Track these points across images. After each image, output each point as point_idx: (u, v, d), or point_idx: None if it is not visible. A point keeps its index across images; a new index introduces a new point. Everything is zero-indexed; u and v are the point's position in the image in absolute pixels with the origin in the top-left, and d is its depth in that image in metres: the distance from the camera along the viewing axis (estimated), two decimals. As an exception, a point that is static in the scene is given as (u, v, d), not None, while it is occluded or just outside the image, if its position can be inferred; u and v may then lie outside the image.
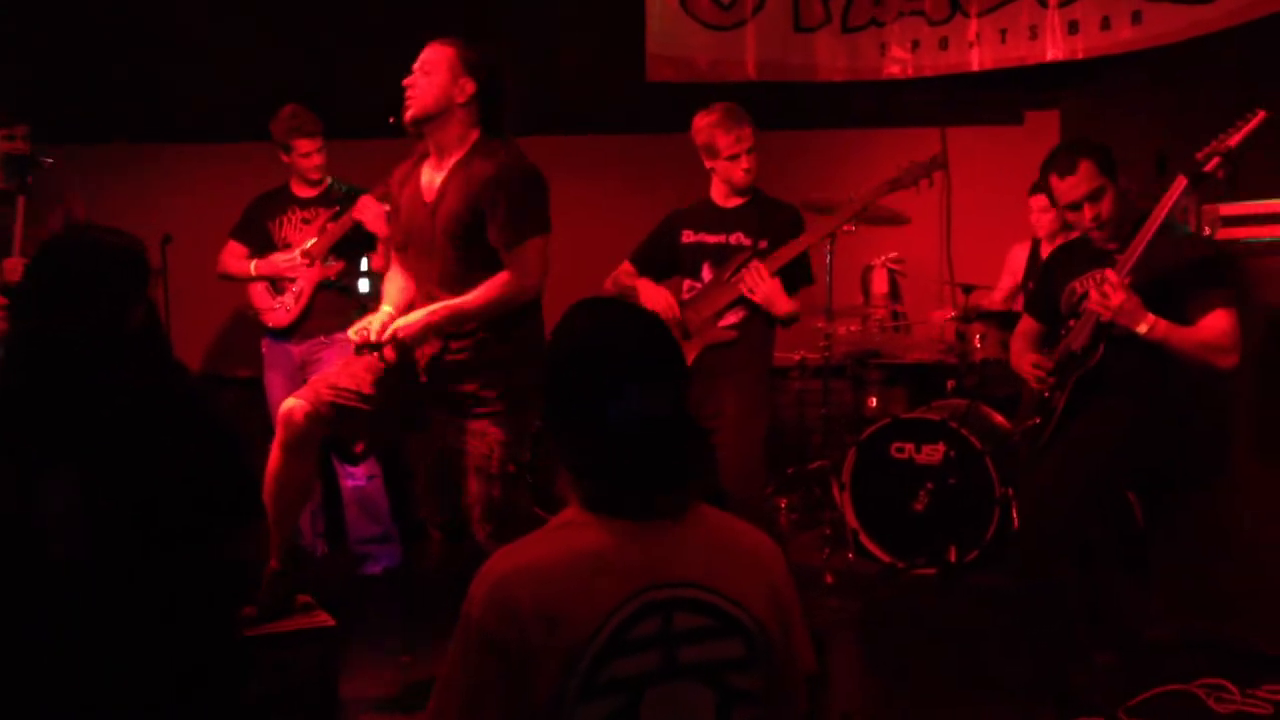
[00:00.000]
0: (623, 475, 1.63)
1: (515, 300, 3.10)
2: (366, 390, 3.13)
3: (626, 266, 3.97)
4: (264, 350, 4.71)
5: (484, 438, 3.14)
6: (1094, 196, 3.25)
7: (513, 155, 3.10)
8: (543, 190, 3.11)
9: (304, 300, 4.54)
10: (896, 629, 4.22)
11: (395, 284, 3.33)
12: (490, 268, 3.08)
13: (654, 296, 3.81)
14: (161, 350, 2.33)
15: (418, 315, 3.09)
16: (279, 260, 4.56)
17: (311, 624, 3.17)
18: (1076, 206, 3.29)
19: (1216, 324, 3.15)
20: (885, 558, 4.73)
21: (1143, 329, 3.11)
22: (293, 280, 4.55)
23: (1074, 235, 3.66)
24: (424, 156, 3.20)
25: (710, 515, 1.72)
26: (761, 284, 3.64)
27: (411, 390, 3.19)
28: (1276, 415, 3.49)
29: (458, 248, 3.09)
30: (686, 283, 3.88)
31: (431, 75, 3.07)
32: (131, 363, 2.20)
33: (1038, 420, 3.40)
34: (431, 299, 3.15)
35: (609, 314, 1.72)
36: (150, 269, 2.27)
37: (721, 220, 3.81)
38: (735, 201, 3.82)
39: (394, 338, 3.07)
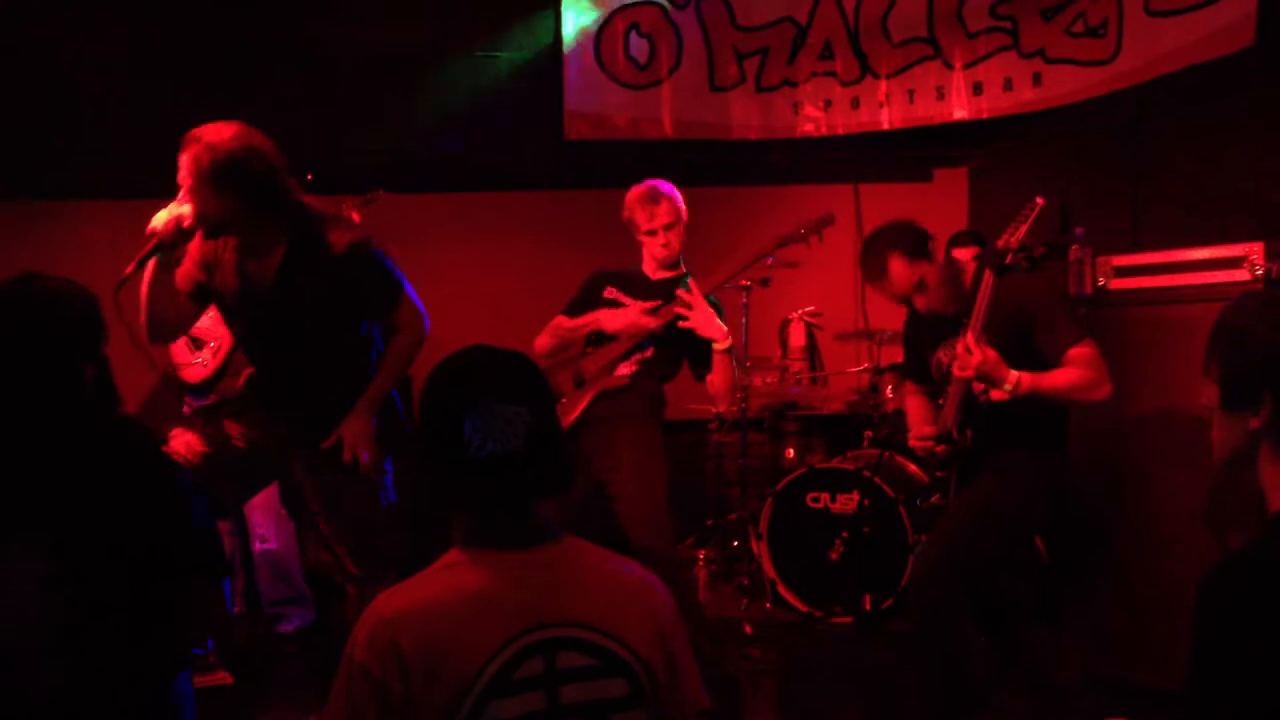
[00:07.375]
0: (484, 500, 1.66)
1: (420, 347, 3.24)
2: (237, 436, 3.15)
3: (560, 319, 3.91)
4: (185, 410, 4.63)
5: (333, 482, 3.16)
6: (919, 289, 3.34)
7: (339, 233, 3.11)
8: (378, 250, 3.19)
9: (221, 356, 4.50)
10: (814, 678, 4.25)
11: None
12: (340, 343, 3.16)
13: (613, 316, 3.78)
14: (117, 409, 2.23)
15: (362, 425, 3.11)
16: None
17: (209, 682, 3.12)
18: (907, 300, 3.41)
19: (1077, 362, 3.13)
20: (803, 607, 4.76)
21: (1008, 387, 3.08)
22: (211, 337, 4.51)
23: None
24: (234, 244, 3.16)
25: (593, 553, 1.74)
26: (693, 311, 3.60)
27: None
28: (1163, 460, 3.60)
29: (323, 331, 3.13)
30: None
31: (198, 192, 3.00)
32: (87, 423, 2.14)
33: (938, 498, 3.42)
34: (292, 376, 3.18)
35: (466, 353, 1.75)
36: (102, 324, 2.18)
37: (645, 290, 3.82)
38: (663, 275, 3.84)
39: (359, 460, 3.09)
